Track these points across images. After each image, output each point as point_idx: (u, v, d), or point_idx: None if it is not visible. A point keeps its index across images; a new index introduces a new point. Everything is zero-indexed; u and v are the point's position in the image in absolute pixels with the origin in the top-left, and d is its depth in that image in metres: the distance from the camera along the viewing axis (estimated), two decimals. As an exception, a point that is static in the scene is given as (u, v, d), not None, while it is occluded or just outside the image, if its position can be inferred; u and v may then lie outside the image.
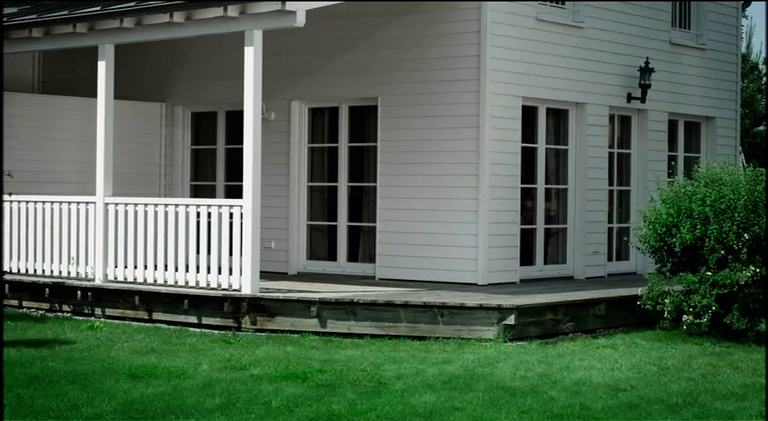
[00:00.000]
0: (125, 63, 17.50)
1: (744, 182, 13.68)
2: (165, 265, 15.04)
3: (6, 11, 16.93)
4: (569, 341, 13.34)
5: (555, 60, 16.71)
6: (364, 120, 17.17)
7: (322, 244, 17.65)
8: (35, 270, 16.45)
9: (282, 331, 14.00)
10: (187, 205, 14.97)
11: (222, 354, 12.17)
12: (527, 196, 16.72)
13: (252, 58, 14.12)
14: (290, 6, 13.53)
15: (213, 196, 18.47)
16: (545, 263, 17.01)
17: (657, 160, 18.50)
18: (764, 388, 10.28)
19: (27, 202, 16.52)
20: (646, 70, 17.84)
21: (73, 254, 15.97)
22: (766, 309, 13.38)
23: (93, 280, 15.69)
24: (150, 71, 19.14)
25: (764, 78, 31.74)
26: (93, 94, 16.02)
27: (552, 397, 9.90)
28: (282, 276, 16.90)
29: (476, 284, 15.54)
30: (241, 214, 14.27)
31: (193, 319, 14.60)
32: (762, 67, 32.37)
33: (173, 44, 17.29)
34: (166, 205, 15.16)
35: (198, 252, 14.79)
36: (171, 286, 14.92)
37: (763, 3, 29.19)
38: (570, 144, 17.26)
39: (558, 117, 17.23)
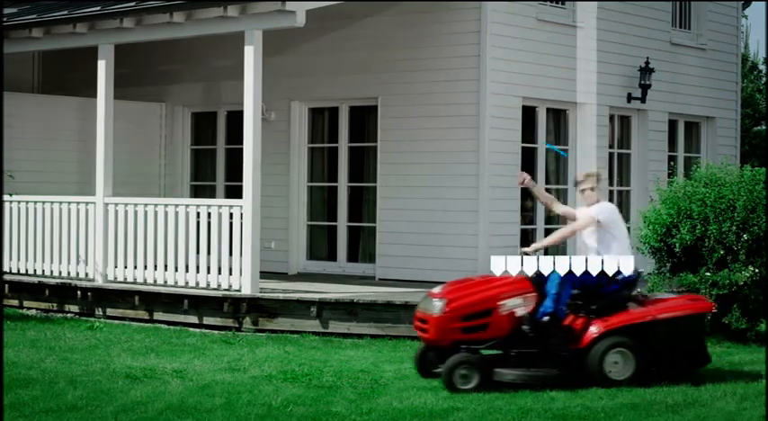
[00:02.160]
0: (125, 63, 17.49)
1: (744, 181, 13.65)
2: (165, 266, 15.03)
3: (6, 11, 16.92)
4: (569, 341, 13.30)
5: (555, 60, 16.70)
6: (364, 120, 17.17)
7: (322, 244, 17.64)
8: (35, 270, 16.44)
9: (282, 331, 13.99)
10: (187, 205, 14.97)
11: (222, 355, 12.17)
12: (527, 196, 16.71)
13: (252, 58, 14.12)
14: (289, 6, 13.54)
15: (213, 196, 18.45)
16: (545, 263, 16.95)
17: (657, 160, 18.48)
18: (765, 388, 10.28)
19: (27, 202, 16.52)
20: (646, 70, 17.83)
21: (73, 254, 15.97)
22: (766, 309, 13.37)
23: (94, 280, 15.69)
24: (150, 71, 19.12)
25: (764, 78, 31.74)
26: (93, 94, 16.01)
27: (552, 397, 9.90)
28: (282, 276, 16.89)
29: (476, 284, 15.51)
30: (241, 214, 14.26)
31: (193, 320, 14.60)
32: (762, 66, 32.36)
33: (173, 44, 17.28)
34: (166, 205, 15.16)
35: (198, 252, 14.79)
36: (171, 286, 14.91)
37: (763, 3, 29.15)
38: (570, 144, 17.25)
39: (558, 117, 17.22)
